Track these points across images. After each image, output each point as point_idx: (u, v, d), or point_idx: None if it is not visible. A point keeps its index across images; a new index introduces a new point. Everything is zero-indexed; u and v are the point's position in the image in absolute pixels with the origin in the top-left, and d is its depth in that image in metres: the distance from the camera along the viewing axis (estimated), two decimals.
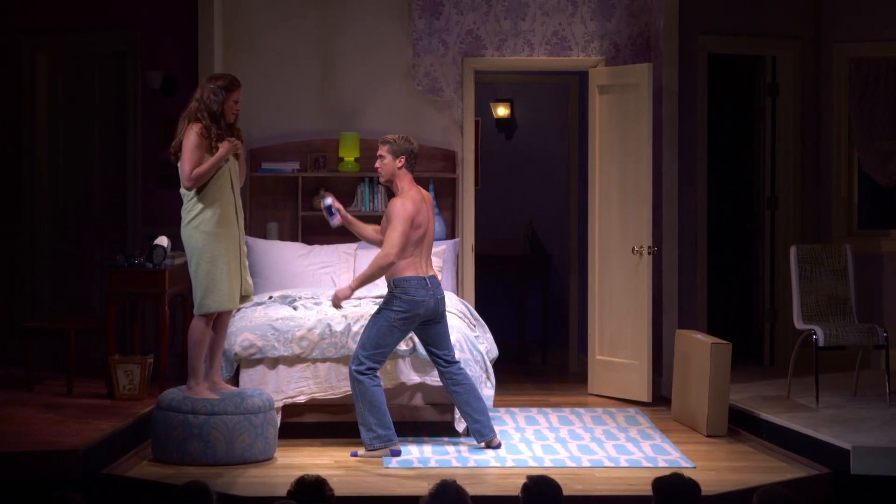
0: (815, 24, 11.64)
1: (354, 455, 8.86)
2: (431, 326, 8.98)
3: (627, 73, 10.96)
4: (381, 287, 10.38)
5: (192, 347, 8.77)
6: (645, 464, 8.68)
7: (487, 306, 11.83)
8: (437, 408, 9.50)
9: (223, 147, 8.67)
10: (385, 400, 8.91)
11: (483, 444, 9.03)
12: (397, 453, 8.82)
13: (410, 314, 8.86)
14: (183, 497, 5.65)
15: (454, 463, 8.68)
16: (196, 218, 8.66)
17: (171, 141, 11.26)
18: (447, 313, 9.63)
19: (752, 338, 12.00)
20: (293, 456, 8.86)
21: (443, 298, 9.00)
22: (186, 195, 8.69)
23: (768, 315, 11.78)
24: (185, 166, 8.59)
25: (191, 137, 8.60)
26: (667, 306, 11.09)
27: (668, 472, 5.90)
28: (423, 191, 9.09)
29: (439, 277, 9.19)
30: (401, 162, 9.00)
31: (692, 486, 5.78)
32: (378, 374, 8.93)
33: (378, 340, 8.87)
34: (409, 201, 8.91)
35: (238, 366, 9.35)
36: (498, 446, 9.02)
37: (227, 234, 8.73)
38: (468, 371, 9.25)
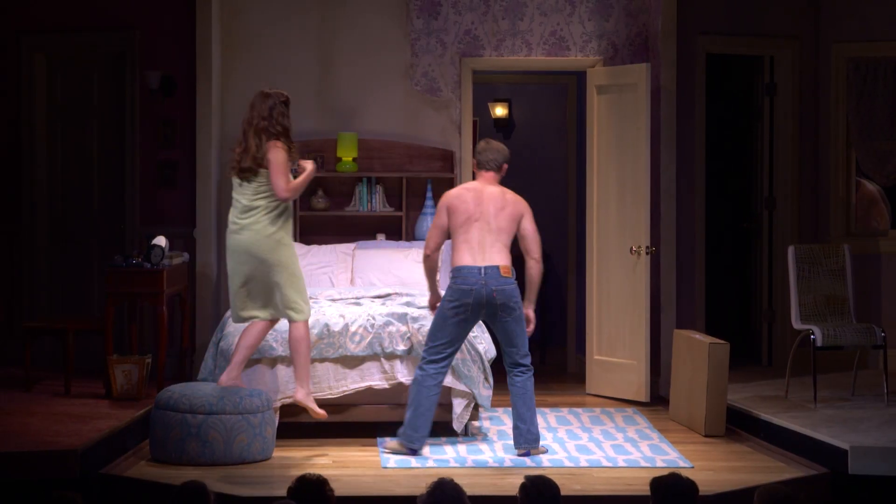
0: (814, 24, 11.65)
1: (383, 443, 8.95)
2: (496, 321, 8.84)
3: (625, 73, 10.97)
4: (378, 287, 10.40)
5: (306, 352, 8.96)
6: (643, 464, 8.68)
7: None
8: (435, 408, 9.49)
9: (312, 165, 9.02)
10: (430, 406, 8.84)
11: (518, 453, 8.89)
12: (413, 452, 8.81)
13: (459, 303, 8.77)
14: (181, 497, 5.65)
15: (452, 463, 8.68)
16: (279, 231, 8.86)
17: (169, 140, 11.28)
18: None
19: (750, 338, 12.00)
20: (291, 456, 8.87)
21: (502, 291, 8.76)
22: (265, 208, 8.84)
23: (766, 315, 11.78)
24: (280, 180, 8.76)
25: (281, 155, 8.82)
26: (665, 306, 11.09)
27: (665, 473, 5.91)
28: (491, 186, 9.02)
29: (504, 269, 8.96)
30: (473, 166, 9.26)
31: (690, 486, 5.78)
32: (437, 379, 8.87)
33: (433, 333, 8.88)
34: (452, 191, 9.08)
35: None
36: (526, 454, 8.83)
37: (293, 247, 9.09)
38: (465, 370, 9.25)
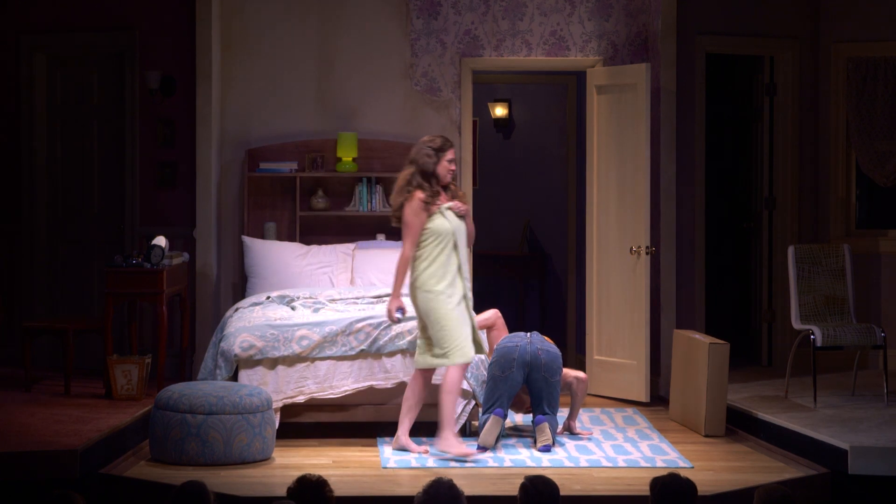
0: (813, 24, 11.65)
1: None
2: (538, 378, 9.15)
3: (625, 73, 10.97)
4: (378, 287, 10.40)
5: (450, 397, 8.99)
6: (643, 464, 8.68)
7: (485, 306, 11.79)
8: (436, 407, 9.48)
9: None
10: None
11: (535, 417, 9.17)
12: (500, 413, 9.00)
13: (504, 360, 9.09)
14: (181, 497, 5.65)
15: (452, 463, 8.68)
16: (418, 279, 8.89)
17: (168, 140, 11.31)
18: None
19: (749, 338, 12.00)
20: (291, 456, 8.87)
21: (548, 351, 9.19)
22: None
23: (766, 315, 11.78)
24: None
25: (413, 204, 8.91)
26: (665, 306, 11.09)
27: (665, 473, 5.91)
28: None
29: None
30: None
31: (688, 486, 5.78)
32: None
33: (485, 397, 9.21)
34: None
35: (237, 367, 9.35)
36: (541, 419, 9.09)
37: (447, 292, 8.89)
38: (472, 367, 9.30)
